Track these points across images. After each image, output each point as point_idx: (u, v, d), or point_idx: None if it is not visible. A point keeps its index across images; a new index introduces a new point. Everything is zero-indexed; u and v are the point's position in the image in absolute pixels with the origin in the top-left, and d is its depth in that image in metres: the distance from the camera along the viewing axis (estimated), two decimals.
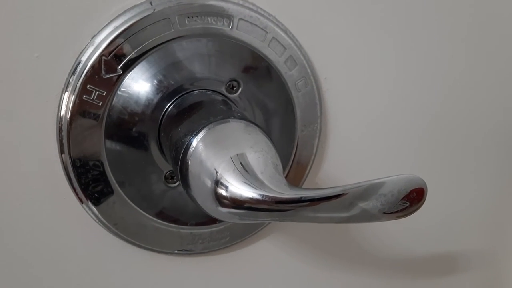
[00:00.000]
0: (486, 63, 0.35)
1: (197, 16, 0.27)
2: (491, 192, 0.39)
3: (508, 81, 0.36)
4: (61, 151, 0.28)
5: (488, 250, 0.41)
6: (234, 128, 0.25)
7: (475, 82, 0.36)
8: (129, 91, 0.28)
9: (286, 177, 0.32)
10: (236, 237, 0.33)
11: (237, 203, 0.22)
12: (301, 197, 0.22)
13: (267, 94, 0.30)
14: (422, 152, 0.36)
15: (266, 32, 0.29)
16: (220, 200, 0.23)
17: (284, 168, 0.32)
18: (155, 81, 0.28)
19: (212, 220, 0.31)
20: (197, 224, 0.31)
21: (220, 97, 0.29)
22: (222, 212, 0.23)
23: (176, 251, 0.32)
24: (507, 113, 0.37)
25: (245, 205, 0.22)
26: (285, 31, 0.30)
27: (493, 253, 0.41)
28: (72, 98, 0.27)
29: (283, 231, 0.35)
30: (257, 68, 0.30)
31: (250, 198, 0.22)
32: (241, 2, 0.29)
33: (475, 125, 0.37)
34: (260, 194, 0.22)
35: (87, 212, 0.29)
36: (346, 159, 0.35)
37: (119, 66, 0.27)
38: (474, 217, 0.39)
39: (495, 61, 0.35)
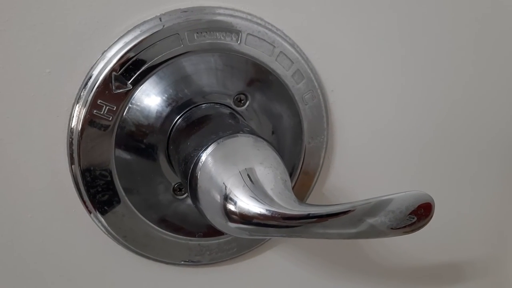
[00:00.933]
0: (491, 73, 0.35)
1: (205, 32, 0.28)
2: (497, 199, 0.39)
3: None
4: (71, 163, 0.29)
5: (493, 257, 0.41)
6: (243, 143, 0.25)
7: (480, 92, 0.36)
8: (139, 105, 0.28)
9: (293, 188, 0.32)
10: (243, 248, 0.33)
11: (246, 218, 0.23)
12: (309, 214, 0.22)
13: (274, 107, 0.31)
14: (428, 162, 0.36)
15: (274, 47, 0.29)
16: (229, 215, 0.23)
17: (291, 179, 0.32)
18: (165, 95, 0.29)
19: (220, 232, 0.32)
20: (204, 235, 0.32)
21: (228, 111, 0.30)
22: (231, 227, 0.23)
23: (183, 262, 0.32)
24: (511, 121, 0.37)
25: (253, 221, 0.23)
26: (293, 45, 0.30)
27: (498, 259, 0.41)
28: (83, 111, 0.27)
29: (290, 241, 0.35)
30: (265, 82, 0.30)
31: (258, 213, 0.23)
32: (249, 17, 0.29)
33: (481, 134, 0.37)
34: (268, 210, 0.22)
35: (96, 224, 0.30)
36: (352, 170, 0.35)
37: (129, 81, 0.27)
38: (479, 224, 0.39)
39: (501, 70, 0.35)
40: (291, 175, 0.32)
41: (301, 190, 0.33)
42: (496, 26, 0.34)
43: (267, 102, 0.31)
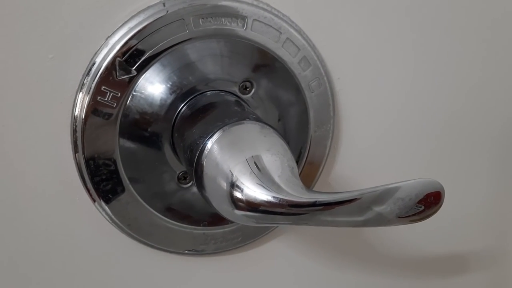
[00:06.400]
0: (501, 64, 0.35)
1: (211, 17, 0.27)
2: (504, 192, 0.39)
3: None
4: (75, 151, 0.28)
5: (498, 250, 0.41)
6: (250, 130, 0.25)
7: (488, 84, 0.35)
8: (143, 92, 0.28)
9: None
10: (248, 237, 0.33)
11: (252, 206, 0.22)
12: (316, 201, 0.22)
13: (280, 94, 0.30)
14: (434, 153, 0.36)
15: (280, 33, 0.29)
16: (235, 202, 0.23)
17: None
18: (169, 82, 0.28)
19: (225, 221, 0.31)
20: (209, 224, 0.32)
21: (233, 98, 0.29)
22: (237, 215, 0.23)
23: (187, 251, 0.32)
24: None
25: (260, 208, 0.22)
26: (299, 31, 0.30)
27: (504, 252, 0.41)
28: (87, 99, 0.27)
29: (295, 231, 0.35)
30: (271, 69, 0.30)
31: (265, 201, 0.22)
32: (255, 3, 0.28)
33: (490, 126, 0.36)
34: (275, 197, 0.22)
35: (100, 212, 0.30)
36: (358, 159, 0.34)
37: (134, 68, 0.27)
38: (485, 217, 0.39)
39: (510, 63, 0.35)
40: (296, 164, 0.32)
41: (306, 180, 0.33)
42: (509, 17, 0.34)
43: (273, 89, 0.30)
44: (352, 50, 0.32)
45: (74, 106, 0.28)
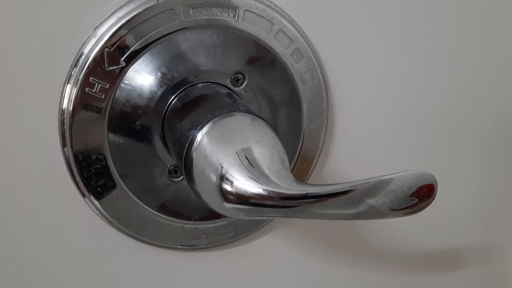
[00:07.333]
0: (496, 61, 0.35)
1: (202, 7, 0.27)
2: (501, 186, 0.39)
3: None
4: (63, 145, 0.28)
5: (494, 246, 0.40)
6: (240, 122, 0.24)
7: (483, 80, 0.35)
8: (133, 84, 0.27)
9: (291, 172, 0.32)
10: (241, 232, 0.33)
11: (242, 198, 0.22)
12: (308, 193, 0.22)
13: (273, 87, 0.30)
14: (429, 147, 0.36)
15: (273, 24, 0.28)
16: (225, 195, 0.22)
17: (289, 162, 0.31)
18: (159, 73, 0.28)
19: (216, 215, 0.31)
20: (201, 219, 0.31)
21: (225, 90, 0.29)
22: (227, 207, 0.23)
23: (179, 246, 0.32)
24: None
25: (250, 201, 0.22)
26: (292, 22, 0.29)
27: (499, 248, 0.41)
28: (75, 90, 0.27)
29: (288, 225, 0.34)
30: (263, 61, 0.29)
31: (255, 193, 0.22)
32: None
33: (486, 120, 0.36)
34: (265, 190, 0.22)
35: (89, 206, 0.29)
36: (352, 153, 0.34)
37: (122, 58, 0.27)
38: (480, 213, 0.39)
39: (506, 59, 0.35)
40: (289, 158, 0.31)
41: (299, 174, 0.33)
42: (506, 16, 0.33)
43: (265, 82, 0.30)
44: (346, 42, 0.31)
45: (62, 98, 0.27)
